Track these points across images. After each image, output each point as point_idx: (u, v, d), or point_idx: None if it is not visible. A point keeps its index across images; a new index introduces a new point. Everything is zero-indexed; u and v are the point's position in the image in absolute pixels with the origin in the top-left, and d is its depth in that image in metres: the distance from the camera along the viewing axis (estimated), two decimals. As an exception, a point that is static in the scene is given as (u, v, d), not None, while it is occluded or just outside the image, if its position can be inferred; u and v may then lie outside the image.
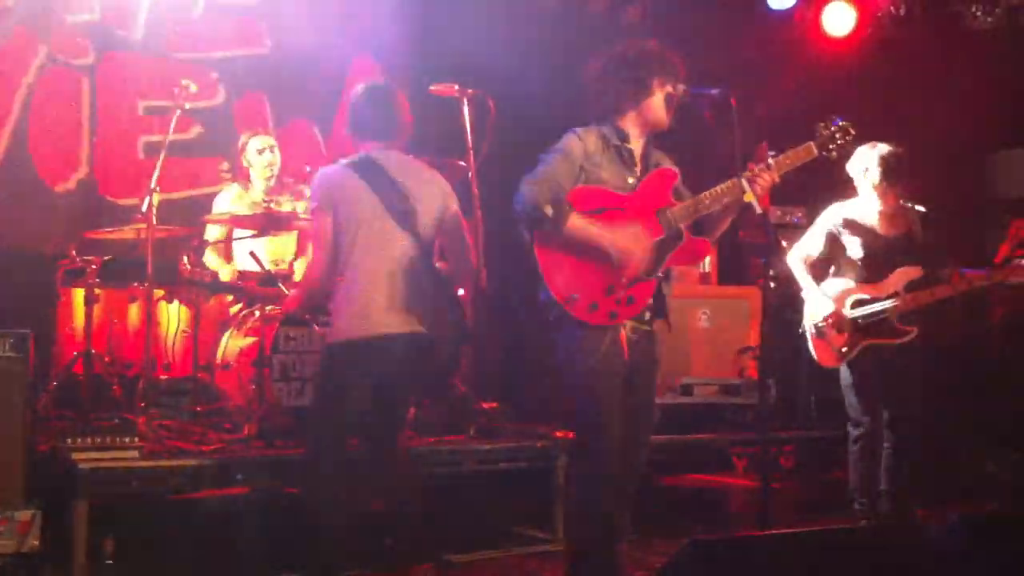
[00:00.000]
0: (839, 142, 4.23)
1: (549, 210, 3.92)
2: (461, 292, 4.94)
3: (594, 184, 4.09)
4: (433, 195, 4.68)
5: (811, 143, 4.22)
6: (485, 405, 6.12)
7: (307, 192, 6.52)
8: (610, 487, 4.05)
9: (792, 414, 7.22)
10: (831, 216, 5.80)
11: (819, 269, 5.86)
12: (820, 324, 5.71)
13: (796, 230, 7.86)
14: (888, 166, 5.61)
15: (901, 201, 5.71)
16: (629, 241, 4.02)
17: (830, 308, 5.69)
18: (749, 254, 7.67)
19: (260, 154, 6.42)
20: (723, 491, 7.32)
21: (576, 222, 3.96)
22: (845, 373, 5.71)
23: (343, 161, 4.72)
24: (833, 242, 5.77)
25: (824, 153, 4.23)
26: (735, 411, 7.00)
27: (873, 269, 5.67)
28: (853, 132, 4.25)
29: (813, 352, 5.79)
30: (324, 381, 4.70)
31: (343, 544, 4.49)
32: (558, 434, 5.88)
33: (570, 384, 4.10)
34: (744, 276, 7.61)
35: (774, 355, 6.72)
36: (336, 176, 4.62)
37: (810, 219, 7.84)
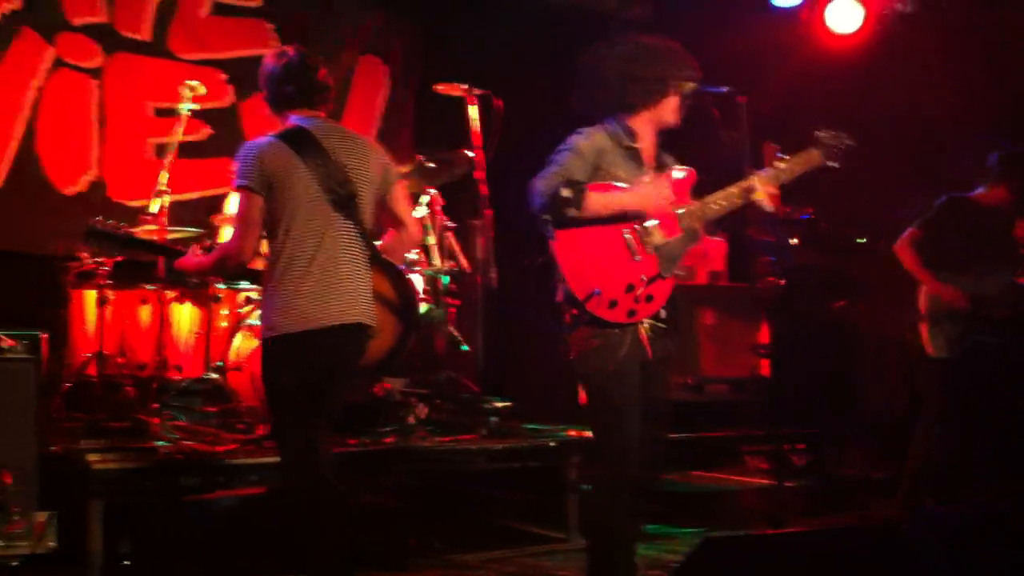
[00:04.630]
0: (839, 151, 4.30)
1: (567, 191, 3.90)
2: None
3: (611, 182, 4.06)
4: (373, 168, 4.25)
5: (816, 151, 4.29)
6: (496, 404, 6.12)
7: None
8: (629, 488, 4.04)
9: (804, 412, 7.20)
10: (944, 209, 5.79)
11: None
12: (937, 312, 5.69)
13: (805, 227, 7.87)
14: (1004, 163, 5.74)
15: (1011, 197, 5.77)
16: (650, 191, 4.06)
17: (949, 296, 5.68)
18: (759, 252, 7.66)
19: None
20: (735, 489, 7.32)
21: (595, 196, 3.96)
22: (944, 366, 5.69)
23: (273, 134, 4.20)
24: (946, 235, 5.74)
25: (828, 162, 4.30)
26: (746, 408, 7.00)
27: (982, 262, 5.70)
28: (849, 142, 4.32)
29: (927, 341, 5.74)
30: (270, 382, 4.20)
31: (342, 543, 4.14)
32: (570, 433, 5.89)
33: (588, 386, 4.07)
34: (754, 274, 7.60)
35: (785, 353, 6.70)
36: (268, 152, 4.09)
37: (819, 217, 7.80)
